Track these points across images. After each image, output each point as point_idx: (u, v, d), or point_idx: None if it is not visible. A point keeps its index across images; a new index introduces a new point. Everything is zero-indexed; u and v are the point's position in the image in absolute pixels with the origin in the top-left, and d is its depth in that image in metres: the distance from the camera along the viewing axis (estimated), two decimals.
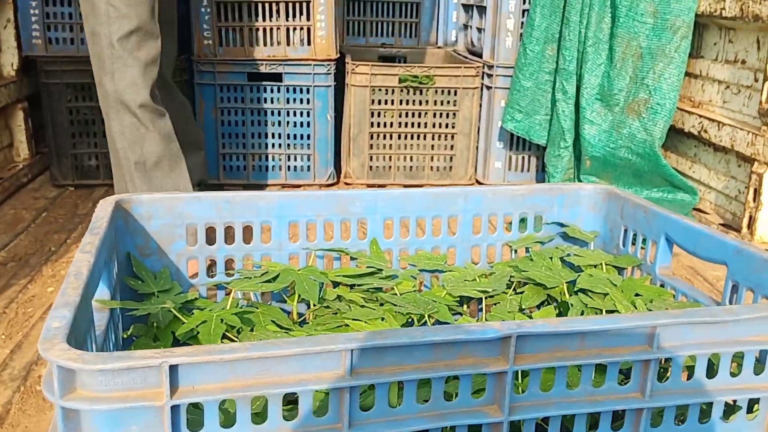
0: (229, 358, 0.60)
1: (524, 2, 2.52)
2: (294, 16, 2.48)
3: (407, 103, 2.60)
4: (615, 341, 0.66)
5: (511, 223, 1.05)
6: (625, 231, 1.01)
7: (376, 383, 0.64)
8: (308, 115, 2.56)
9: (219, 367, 0.60)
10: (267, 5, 2.46)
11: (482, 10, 2.72)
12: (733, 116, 2.12)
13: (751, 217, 1.96)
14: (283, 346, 0.61)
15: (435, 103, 2.62)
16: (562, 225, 1.06)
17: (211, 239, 0.96)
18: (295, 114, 2.56)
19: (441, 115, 2.62)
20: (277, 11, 2.47)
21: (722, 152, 2.18)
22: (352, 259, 0.99)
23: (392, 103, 2.58)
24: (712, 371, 0.75)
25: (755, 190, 1.94)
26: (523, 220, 1.05)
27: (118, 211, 0.89)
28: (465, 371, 0.65)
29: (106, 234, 0.82)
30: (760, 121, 1.94)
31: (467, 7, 2.96)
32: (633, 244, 1.00)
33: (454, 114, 2.62)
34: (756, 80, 1.99)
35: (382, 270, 0.97)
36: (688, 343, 0.71)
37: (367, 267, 0.96)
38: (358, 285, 0.96)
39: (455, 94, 2.62)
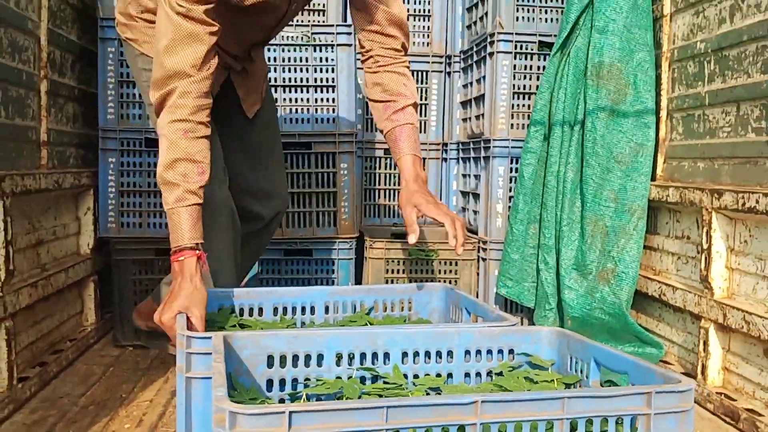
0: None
1: (510, 190, 3.07)
2: (323, 203, 3.03)
3: (416, 272, 3.08)
4: (533, 407, 1.06)
5: (491, 352, 1.48)
6: (571, 358, 1.43)
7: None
8: (333, 283, 3.04)
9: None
10: (303, 195, 3.02)
11: (477, 196, 3.28)
12: (684, 282, 2.58)
13: (703, 365, 2.36)
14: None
15: (440, 272, 3.10)
16: (527, 355, 1.48)
17: (282, 363, 1.39)
18: (321, 282, 3.04)
19: (445, 281, 3.09)
20: (309, 199, 3.02)
21: (679, 312, 2.61)
22: (380, 377, 1.41)
23: (403, 272, 3.07)
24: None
25: (704, 342, 2.36)
26: (500, 351, 1.48)
27: (224, 342, 1.33)
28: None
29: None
30: (702, 286, 2.39)
31: (465, 194, 3.53)
32: (576, 366, 1.41)
33: (455, 281, 3.09)
34: (698, 252, 2.47)
35: (402, 385, 1.38)
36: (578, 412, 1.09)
37: (392, 383, 1.38)
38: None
39: (456, 264, 3.11)
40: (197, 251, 1.63)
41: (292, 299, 1.85)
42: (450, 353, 1.46)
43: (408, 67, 2.09)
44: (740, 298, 2.28)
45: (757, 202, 2.08)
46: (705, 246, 2.35)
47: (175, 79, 1.65)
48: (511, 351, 1.48)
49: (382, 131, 2.07)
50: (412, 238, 1.94)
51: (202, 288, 1.61)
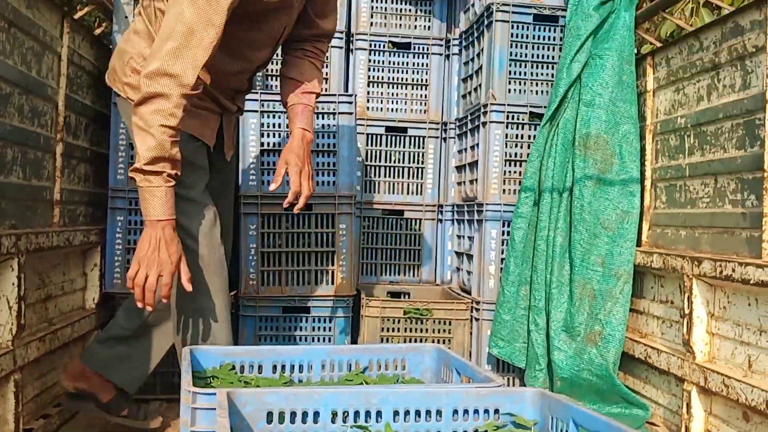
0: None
1: (502, 253, 3.19)
2: (321, 262, 3.14)
3: (411, 331, 3.17)
4: None
5: (477, 412, 1.58)
6: (552, 418, 1.53)
7: None
8: (329, 341, 3.13)
9: None
10: (301, 254, 3.13)
11: (470, 257, 3.39)
12: (669, 345, 2.68)
13: (686, 427, 2.44)
14: None
15: (434, 331, 3.19)
16: (512, 415, 1.58)
17: (281, 419, 1.48)
18: (319, 339, 3.13)
19: (437, 341, 3.18)
20: (308, 258, 3.14)
21: (664, 374, 2.69)
22: None
23: (398, 331, 3.16)
24: None
25: (687, 404, 2.44)
26: (486, 411, 1.57)
27: (227, 398, 1.43)
28: None
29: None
30: (685, 349, 2.49)
31: (459, 254, 3.65)
32: (557, 426, 1.51)
33: (449, 340, 3.18)
34: (681, 317, 2.57)
35: None
36: None
37: None
38: None
39: (450, 324, 3.20)
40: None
41: (291, 357, 1.95)
42: (439, 412, 1.55)
43: (324, 65, 2.47)
44: (720, 362, 2.37)
45: (733, 270, 2.19)
46: (687, 311, 2.46)
47: (174, 84, 1.81)
48: (496, 411, 1.58)
49: (286, 103, 2.34)
50: (272, 186, 2.24)
51: (176, 253, 1.89)
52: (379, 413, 1.53)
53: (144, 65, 1.89)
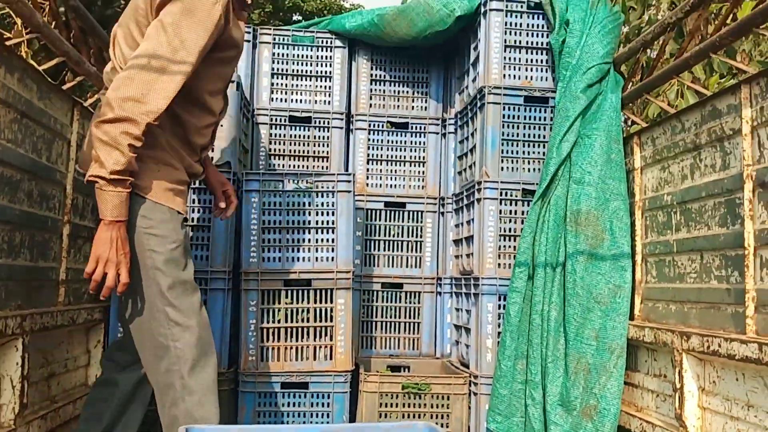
0: None
1: (498, 326, 3.23)
2: (320, 337, 3.19)
3: (409, 406, 3.19)
4: None
5: None
6: None
7: None
8: (328, 417, 3.15)
9: None
10: (299, 329, 3.18)
11: (468, 330, 3.43)
12: (663, 419, 2.69)
13: None
14: None
15: (432, 406, 3.21)
16: None
17: None
18: (318, 416, 3.15)
19: (436, 416, 3.19)
20: (307, 334, 3.19)
21: None
22: None
23: (396, 406, 3.18)
24: None
25: None
26: None
27: None
28: None
29: None
30: (678, 424, 2.51)
31: (458, 327, 3.69)
32: None
33: (447, 415, 3.20)
34: (674, 391, 2.59)
35: None
36: None
37: None
38: None
39: (448, 398, 3.22)
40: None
41: None
42: None
43: None
44: None
45: (719, 346, 2.23)
46: (678, 385, 2.49)
47: (145, 113, 1.95)
48: None
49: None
50: (228, 212, 2.57)
51: (128, 253, 2.02)
52: None
53: (118, 86, 1.98)
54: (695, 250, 2.56)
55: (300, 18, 17.94)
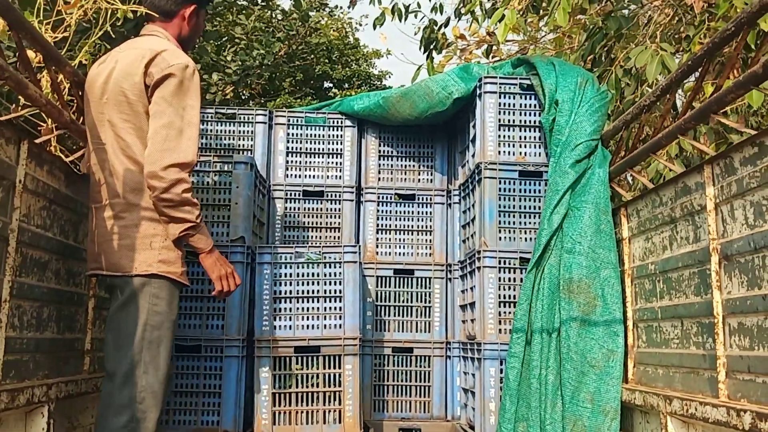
0: None
1: (501, 390, 3.36)
2: (329, 401, 3.36)
3: None
4: None
5: None
6: None
7: None
8: None
9: None
10: (310, 394, 3.36)
11: (474, 393, 3.57)
12: None
13: None
14: None
15: None
16: None
17: None
18: None
19: None
20: (317, 398, 3.36)
21: None
22: None
23: None
24: None
25: None
26: None
27: None
28: None
29: None
30: None
31: (466, 390, 3.82)
32: None
33: None
34: None
35: None
36: None
37: None
38: None
39: None
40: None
41: None
42: None
43: None
44: None
45: (696, 409, 2.36)
46: None
47: (188, 166, 2.51)
48: None
49: None
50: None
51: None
52: None
53: (153, 161, 2.46)
54: (676, 317, 2.70)
55: (330, 85, 18.54)
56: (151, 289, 2.56)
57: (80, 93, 2.80)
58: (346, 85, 18.54)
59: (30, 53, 2.51)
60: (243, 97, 12.07)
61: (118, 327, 2.55)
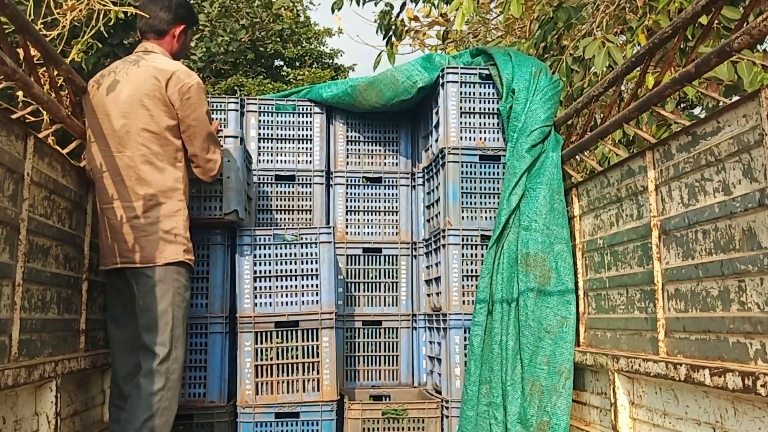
0: None
1: (465, 356, 3.68)
2: (308, 371, 3.63)
3: (389, 430, 3.62)
4: None
5: None
6: None
7: None
8: None
9: None
10: (290, 365, 3.62)
11: (440, 360, 3.88)
12: (605, 430, 3.14)
13: None
14: None
15: (409, 429, 3.64)
16: None
17: None
18: None
19: None
20: (296, 369, 3.62)
21: None
22: None
23: (377, 430, 3.60)
24: None
25: None
26: None
27: None
28: None
29: None
30: None
31: (432, 358, 4.13)
32: None
33: None
34: (610, 406, 3.04)
35: None
36: None
37: None
38: None
39: (423, 422, 3.66)
40: None
41: None
42: None
43: None
44: None
45: (639, 365, 2.70)
46: (613, 401, 2.95)
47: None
48: None
49: None
50: None
51: None
52: None
53: (205, 162, 3.12)
54: (622, 285, 3.04)
55: (282, 63, 18.54)
56: (174, 275, 2.96)
57: (74, 90, 2.97)
58: (298, 64, 18.59)
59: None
60: (207, 83, 12.09)
61: (149, 309, 2.92)
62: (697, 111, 5.09)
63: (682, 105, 5.03)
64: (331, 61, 18.88)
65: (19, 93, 2.79)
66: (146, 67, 2.97)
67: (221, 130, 3.50)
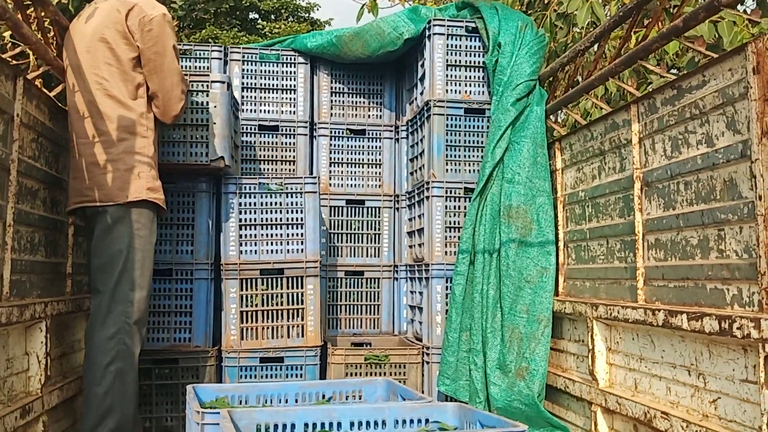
0: None
1: (446, 305, 3.77)
2: (292, 317, 3.69)
3: (371, 374, 3.71)
4: None
5: (413, 422, 2.13)
6: (467, 422, 2.09)
7: None
8: None
9: None
10: (274, 311, 3.67)
11: (421, 309, 3.97)
12: (581, 376, 3.26)
13: None
14: None
15: (391, 374, 3.74)
16: (438, 422, 2.13)
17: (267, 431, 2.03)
18: None
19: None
20: (281, 315, 3.68)
21: (579, 400, 3.26)
22: None
23: (360, 375, 3.69)
24: None
25: (594, 423, 3.02)
26: (419, 421, 2.13)
27: (229, 416, 1.97)
28: None
29: None
30: (591, 378, 3.07)
31: (412, 307, 4.22)
32: (470, 428, 2.07)
33: (404, 381, 3.72)
34: (588, 352, 3.16)
35: None
36: None
37: None
38: None
39: (404, 367, 3.75)
40: None
41: (271, 391, 2.49)
42: (384, 423, 2.11)
43: None
44: (616, 386, 2.96)
45: (618, 312, 2.80)
46: (590, 347, 3.05)
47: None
48: (427, 420, 2.14)
49: None
50: None
51: None
52: (339, 424, 2.08)
53: (168, 99, 2.97)
54: (602, 236, 3.13)
55: (257, 16, 18.28)
56: (133, 215, 2.85)
57: (60, 31, 2.94)
58: (273, 17, 18.33)
59: None
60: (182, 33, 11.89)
61: (103, 250, 2.83)
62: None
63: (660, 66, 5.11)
64: (307, 14, 18.66)
65: (6, 34, 2.75)
66: (113, 1, 2.90)
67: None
